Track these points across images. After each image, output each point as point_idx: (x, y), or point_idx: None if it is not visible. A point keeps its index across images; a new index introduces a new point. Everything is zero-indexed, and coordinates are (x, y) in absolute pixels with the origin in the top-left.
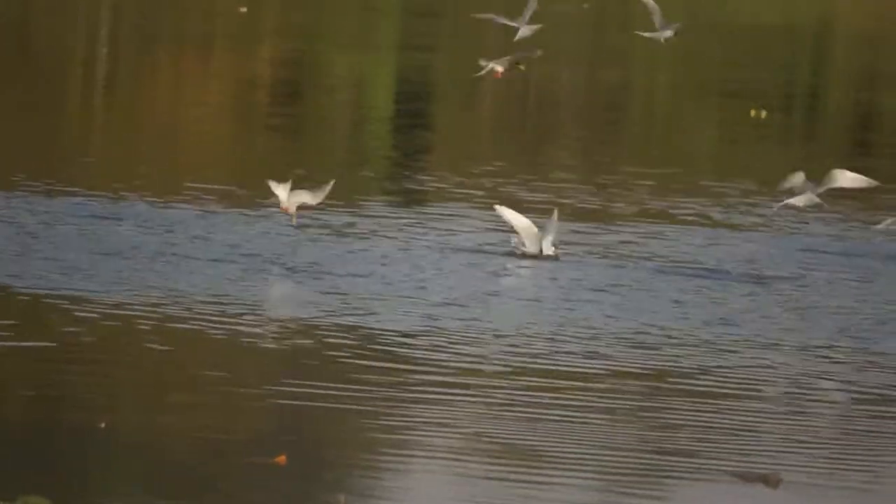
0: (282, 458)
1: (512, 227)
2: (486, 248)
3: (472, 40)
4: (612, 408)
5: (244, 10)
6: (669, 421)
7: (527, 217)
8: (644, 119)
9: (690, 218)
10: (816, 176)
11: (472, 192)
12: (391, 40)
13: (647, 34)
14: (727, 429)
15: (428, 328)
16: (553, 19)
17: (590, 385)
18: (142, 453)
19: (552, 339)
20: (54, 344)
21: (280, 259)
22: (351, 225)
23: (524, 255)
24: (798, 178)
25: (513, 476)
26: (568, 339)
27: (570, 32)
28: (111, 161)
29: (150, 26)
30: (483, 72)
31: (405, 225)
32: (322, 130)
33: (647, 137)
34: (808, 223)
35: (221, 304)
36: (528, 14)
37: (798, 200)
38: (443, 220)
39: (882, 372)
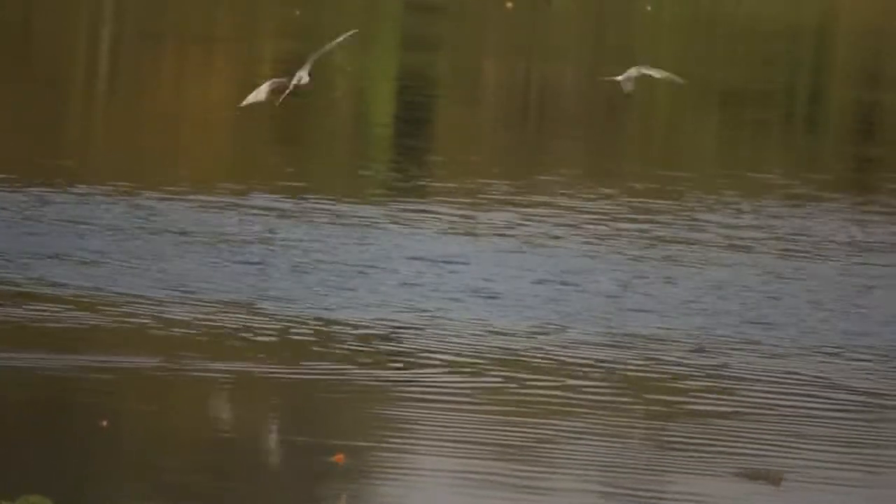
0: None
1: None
2: (487, 247)
3: (473, 38)
4: (613, 405)
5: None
6: (671, 418)
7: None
8: (645, 118)
9: (693, 216)
10: None
11: (473, 190)
12: (393, 38)
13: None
14: (729, 426)
15: (430, 325)
16: (555, 18)
17: (590, 382)
18: (143, 452)
19: (553, 336)
20: (55, 343)
21: (285, 256)
22: (350, 223)
23: None
24: None
25: (515, 473)
26: (569, 336)
27: (572, 30)
28: (109, 158)
29: (153, 25)
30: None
31: (405, 224)
32: (323, 128)
33: (648, 136)
34: (808, 223)
35: (227, 300)
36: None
37: None
38: (443, 218)
39: (883, 371)
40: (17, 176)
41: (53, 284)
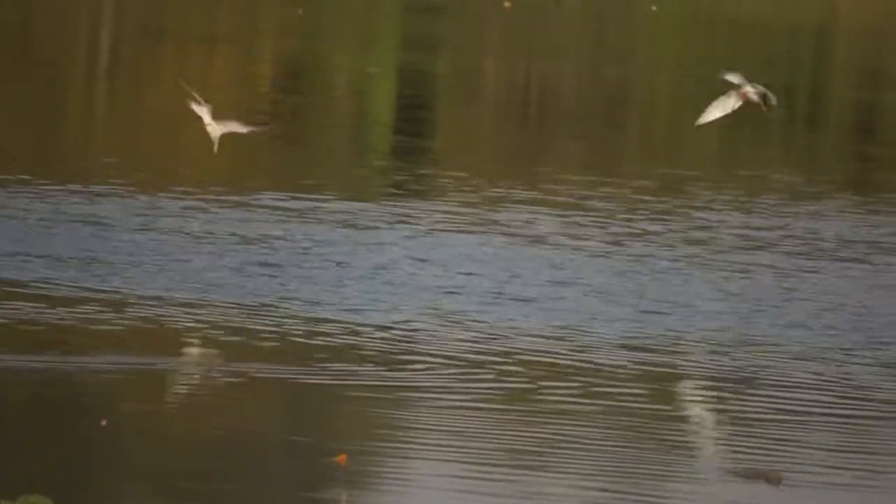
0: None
1: None
2: (492, 247)
3: (473, 38)
4: (614, 405)
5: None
6: (671, 419)
7: None
8: (645, 117)
9: (696, 216)
10: None
11: (476, 190)
12: (393, 38)
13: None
14: (729, 426)
15: (434, 326)
16: (557, 16)
17: (591, 383)
18: (143, 452)
19: (554, 336)
20: (56, 343)
21: (288, 257)
22: (350, 222)
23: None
24: None
25: (516, 472)
26: (569, 336)
27: (573, 30)
28: (109, 158)
29: (153, 25)
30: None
31: (405, 225)
32: (324, 127)
33: (647, 135)
34: (809, 223)
35: (227, 301)
36: None
37: None
38: (444, 217)
39: (883, 370)
40: (18, 176)
41: (54, 284)
